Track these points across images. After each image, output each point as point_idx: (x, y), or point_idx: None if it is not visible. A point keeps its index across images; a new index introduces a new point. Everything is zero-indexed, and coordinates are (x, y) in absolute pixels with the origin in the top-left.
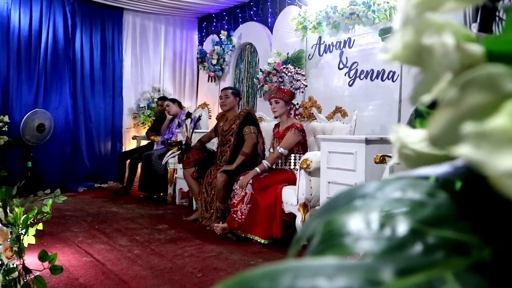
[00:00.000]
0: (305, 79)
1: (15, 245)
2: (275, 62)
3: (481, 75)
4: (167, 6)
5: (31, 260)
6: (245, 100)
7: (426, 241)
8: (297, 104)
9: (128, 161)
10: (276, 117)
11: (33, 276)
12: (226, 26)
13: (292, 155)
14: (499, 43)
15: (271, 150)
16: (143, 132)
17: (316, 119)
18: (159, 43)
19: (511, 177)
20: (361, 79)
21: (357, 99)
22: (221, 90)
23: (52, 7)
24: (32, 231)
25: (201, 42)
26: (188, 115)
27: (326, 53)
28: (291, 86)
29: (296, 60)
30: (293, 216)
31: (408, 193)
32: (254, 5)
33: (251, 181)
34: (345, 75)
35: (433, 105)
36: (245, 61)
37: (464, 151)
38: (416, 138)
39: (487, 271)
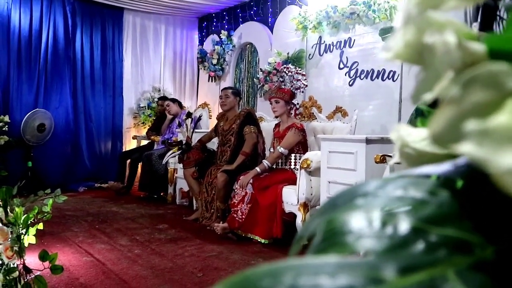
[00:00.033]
0: (305, 79)
1: (16, 245)
2: (275, 62)
3: (483, 73)
4: (167, 6)
5: (32, 260)
6: (245, 100)
7: (428, 239)
8: (298, 104)
9: (129, 161)
10: (276, 117)
11: (33, 275)
12: (226, 26)
13: (293, 155)
14: (501, 41)
15: (272, 150)
16: (144, 132)
17: (316, 118)
18: (159, 43)
19: None
20: (362, 79)
21: (357, 98)
22: (221, 90)
23: (52, 7)
24: (32, 230)
25: (201, 42)
26: (189, 115)
27: (326, 52)
28: (292, 86)
29: (296, 60)
30: (293, 216)
31: (410, 191)
32: (254, 5)
33: (251, 181)
34: (345, 74)
35: (434, 104)
36: (245, 61)
37: (467, 149)
38: (417, 137)
39: (489, 269)
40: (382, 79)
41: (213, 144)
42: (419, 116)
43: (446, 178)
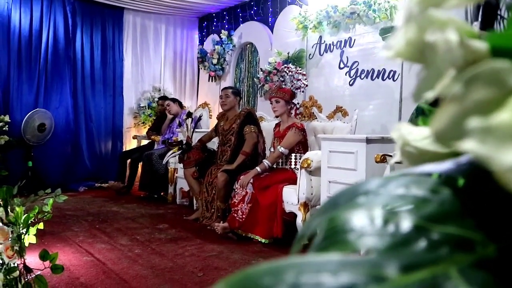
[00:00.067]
0: (305, 79)
1: (16, 245)
2: (275, 62)
3: (485, 71)
4: (168, 6)
5: (32, 260)
6: (245, 99)
7: (430, 237)
8: (298, 103)
9: (129, 160)
10: (276, 117)
11: (34, 275)
12: (226, 26)
13: (293, 155)
14: (503, 39)
15: (272, 150)
16: (144, 131)
17: (316, 118)
18: (159, 42)
19: None
20: (362, 79)
21: (357, 98)
22: (222, 90)
23: (52, 6)
24: (33, 230)
25: (201, 42)
26: (189, 114)
27: (326, 52)
28: (292, 86)
29: (296, 59)
30: (293, 216)
31: (412, 189)
32: (254, 5)
33: (251, 181)
34: (345, 74)
35: (435, 103)
36: (245, 60)
37: (469, 146)
38: (419, 136)
39: (491, 267)
40: (383, 79)
41: (214, 144)
42: (420, 115)
43: (447, 176)
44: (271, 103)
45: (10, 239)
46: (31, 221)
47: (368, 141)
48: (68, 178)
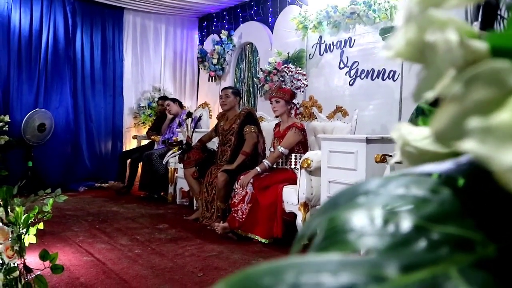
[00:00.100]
0: (305, 79)
1: (16, 245)
2: (275, 62)
3: (485, 71)
4: (168, 6)
5: (32, 260)
6: (245, 99)
7: (430, 237)
8: (298, 103)
9: (129, 160)
10: (276, 117)
11: (34, 275)
12: (226, 26)
13: (293, 155)
14: (503, 39)
15: (272, 150)
16: (144, 131)
17: (316, 118)
18: (159, 42)
19: None
20: (362, 79)
21: (357, 98)
22: (222, 90)
23: (52, 6)
24: (33, 230)
25: (201, 42)
26: (189, 114)
27: (326, 52)
28: (292, 86)
29: (296, 59)
30: (293, 216)
31: (412, 189)
32: (254, 5)
33: (251, 181)
34: (345, 74)
35: (435, 103)
36: (245, 60)
37: (469, 146)
38: (419, 136)
39: (491, 267)
40: (383, 79)
41: (214, 143)
42: (420, 115)
43: (447, 176)
44: (271, 103)
45: (10, 239)
46: (31, 221)
47: (368, 141)
48: (68, 178)
